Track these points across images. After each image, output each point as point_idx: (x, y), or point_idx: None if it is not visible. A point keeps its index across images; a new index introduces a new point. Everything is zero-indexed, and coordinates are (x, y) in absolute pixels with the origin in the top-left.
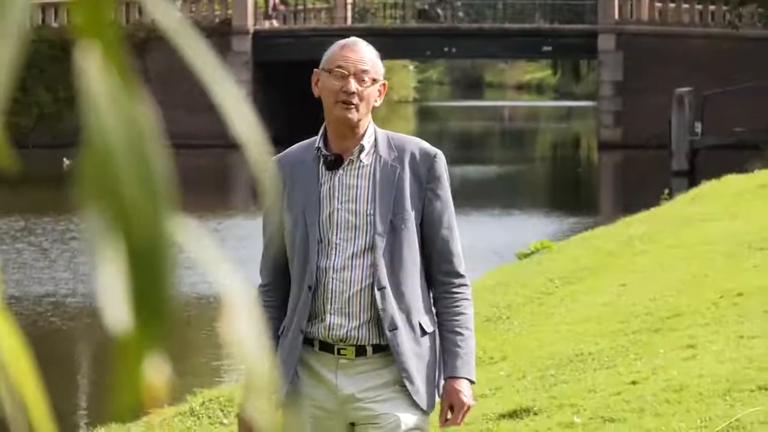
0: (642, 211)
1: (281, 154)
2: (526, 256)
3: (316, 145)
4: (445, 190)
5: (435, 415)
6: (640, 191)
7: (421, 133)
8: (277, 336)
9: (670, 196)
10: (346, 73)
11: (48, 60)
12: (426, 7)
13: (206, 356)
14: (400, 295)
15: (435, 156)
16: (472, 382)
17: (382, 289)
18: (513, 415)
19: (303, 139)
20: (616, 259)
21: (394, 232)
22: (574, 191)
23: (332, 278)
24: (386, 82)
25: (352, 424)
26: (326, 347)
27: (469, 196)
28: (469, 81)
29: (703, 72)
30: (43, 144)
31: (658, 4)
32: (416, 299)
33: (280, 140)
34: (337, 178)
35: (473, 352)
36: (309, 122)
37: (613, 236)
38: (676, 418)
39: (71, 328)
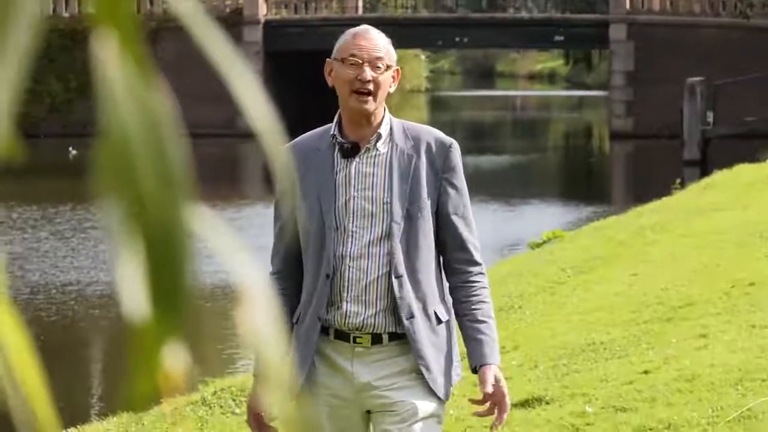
0: (654, 200)
1: (294, 141)
2: (538, 245)
3: (332, 133)
4: (461, 180)
5: (458, 408)
6: (651, 181)
7: (433, 123)
8: (289, 324)
9: (682, 185)
10: (360, 61)
11: (59, 50)
12: None
13: (218, 345)
14: (416, 284)
15: (450, 146)
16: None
17: (399, 277)
18: (525, 404)
19: (314, 129)
20: (628, 248)
21: (410, 220)
22: (586, 181)
23: (349, 266)
24: (399, 68)
25: (368, 412)
26: (342, 335)
27: (482, 186)
28: (480, 71)
29: (715, 62)
30: (55, 133)
31: None
32: (432, 288)
33: (291, 130)
34: (353, 166)
35: (497, 339)
36: (320, 112)
37: (625, 226)
38: (688, 408)
39: (95, 315)
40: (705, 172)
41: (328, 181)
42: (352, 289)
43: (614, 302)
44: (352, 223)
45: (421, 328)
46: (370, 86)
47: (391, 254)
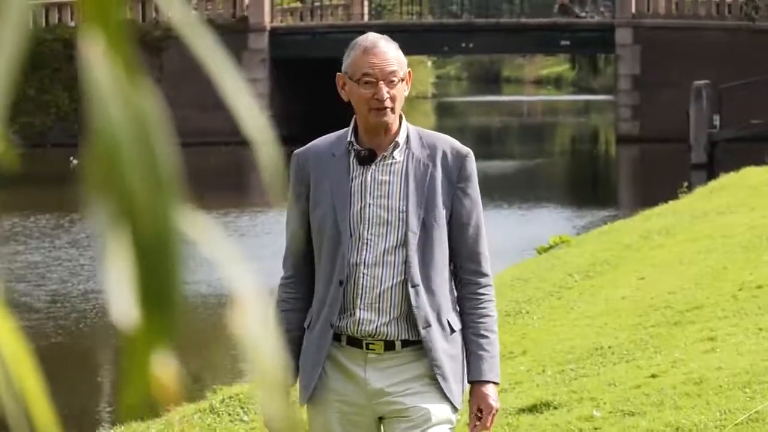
0: (660, 204)
1: (307, 145)
2: (546, 250)
3: (348, 140)
4: (475, 190)
5: (462, 419)
6: (658, 185)
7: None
8: (300, 328)
9: (689, 189)
10: (374, 80)
11: (65, 59)
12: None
13: (226, 353)
14: (431, 293)
15: (466, 155)
16: (496, 384)
17: (415, 286)
18: (533, 409)
19: (320, 136)
20: (635, 252)
21: (425, 229)
22: (593, 185)
23: (363, 273)
24: (410, 70)
25: (380, 418)
26: (354, 342)
27: (489, 192)
28: (487, 76)
29: (721, 65)
30: (62, 143)
31: None
32: (445, 297)
33: (297, 137)
34: (369, 174)
35: (498, 354)
36: (326, 119)
37: (632, 230)
38: (696, 411)
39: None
40: (712, 176)
41: (344, 188)
42: (365, 297)
43: (621, 306)
44: (368, 230)
45: (436, 337)
46: (388, 103)
47: (407, 263)
